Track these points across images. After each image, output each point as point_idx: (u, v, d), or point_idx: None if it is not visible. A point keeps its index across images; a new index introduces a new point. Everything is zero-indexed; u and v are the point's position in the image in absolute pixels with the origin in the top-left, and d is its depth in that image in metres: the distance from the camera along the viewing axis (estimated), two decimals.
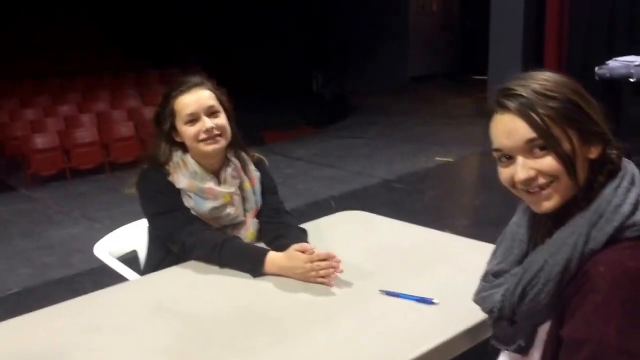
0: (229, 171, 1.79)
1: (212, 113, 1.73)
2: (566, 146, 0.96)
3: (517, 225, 1.11)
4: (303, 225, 1.85)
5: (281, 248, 1.64)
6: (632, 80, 5.04)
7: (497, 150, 1.03)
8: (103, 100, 8.25)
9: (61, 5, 11.62)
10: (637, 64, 5.08)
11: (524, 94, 0.98)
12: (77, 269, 3.71)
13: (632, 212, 0.94)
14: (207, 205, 1.73)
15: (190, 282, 1.61)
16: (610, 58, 5.45)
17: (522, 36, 7.95)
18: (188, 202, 1.73)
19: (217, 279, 1.61)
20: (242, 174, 1.82)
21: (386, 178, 5.63)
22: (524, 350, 1.07)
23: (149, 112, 7.87)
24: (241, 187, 1.80)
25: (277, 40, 11.51)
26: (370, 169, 6.05)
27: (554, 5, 7.75)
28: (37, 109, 7.77)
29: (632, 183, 0.97)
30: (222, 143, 1.74)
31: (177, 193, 1.74)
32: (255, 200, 1.82)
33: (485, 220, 4.43)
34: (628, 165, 1.01)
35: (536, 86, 0.99)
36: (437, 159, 6.34)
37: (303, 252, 1.57)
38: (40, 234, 4.54)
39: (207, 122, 1.71)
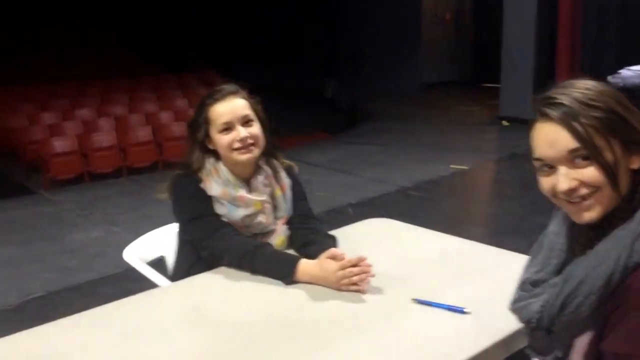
0: (260, 179, 1.81)
1: (246, 122, 1.75)
2: (608, 156, 0.95)
3: (556, 234, 1.10)
4: (330, 233, 1.86)
5: (310, 255, 1.66)
6: None
7: (538, 159, 1.02)
8: (120, 104, 8.32)
9: (77, 10, 11.76)
10: None
11: (566, 103, 0.97)
12: (98, 274, 3.76)
13: None
14: (239, 213, 1.75)
15: (223, 288, 1.62)
16: (622, 67, 5.47)
17: (533, 45, 7.97)
18: (220, 209, 1.75)
19: (248, 285, 1.62)
20: (273, 181, 1.84)
21: (402, 185, 5.65)
22: None
23: (165, 117, 7.95)
24: (272, 195, 1.82)
25: (288, 46, 11.58)
26: (386, 175, 6.06)
27: (565, 14, 7.76)
28: (55, 113, 7.85)
29: None
30: (256, 152, 1.76)
31: (208, 199, 1.76)
32: (285, 207, 1.84)
33: (503, 229, 4.43)
34: None
35: (578, 95, 0.98)
36: (452, 166, 6.34)
37: (333, 258, 1.58)
38: (61, 237, 4.59)
39: (242, 131, 1.73)
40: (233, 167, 1.78)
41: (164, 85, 9.54)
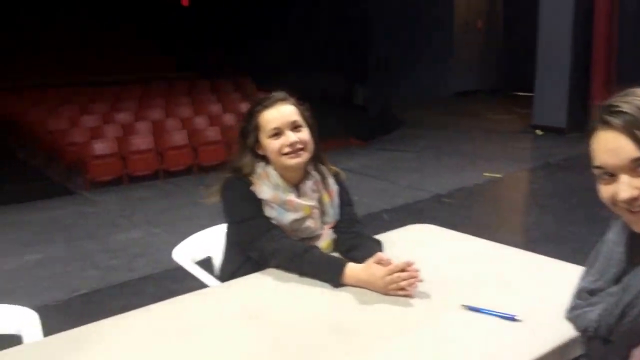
0: (309, 184, 1.85)
1: (295, 127, 1.79)
2: None
3: (614, 243, 1.09)
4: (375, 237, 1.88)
5: (356, 259, 1.68)
6: None
7: (599, 167, 1.01)
8: (157, 108, 8.50)
9: (115, 17, 12.07)
10: None
11: (629, 111, 0.96)
12: (139, 273, 3.85)
13: None
14: (288, 217, 1.79)
15: (272, 289, 1.65)
16: None
17: (569, 54, 7.87)
18: (270, 213, 1.79)
19: (297, 287, 1.64)
20: (321, 187, 1.87)
21: (436, 192, 5.64)
22: None
23: (200, 122, 8.09)
24: (320, 200, 1.85)
25: (319, 52, 11.66)
26: (419, 182, 6.06)
27: (602, 23, 7.65)
28: (96, 116, 8.06)
29: None
30: (305, 157, 1.80)
31: (258, 202, 1.79)
32: (333, 213, 1.87)
33: (537, 237, 4.39)
34: None
35: None
36: (485, 174, 6.30)
37: (379, 263, 1.60)
38: (103, 237, 4.71)
39: (291, 136, 1.77)
40: (282, 171, 1.82)
41: (199, 91, 9.71)
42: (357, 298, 1.56)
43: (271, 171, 1.82)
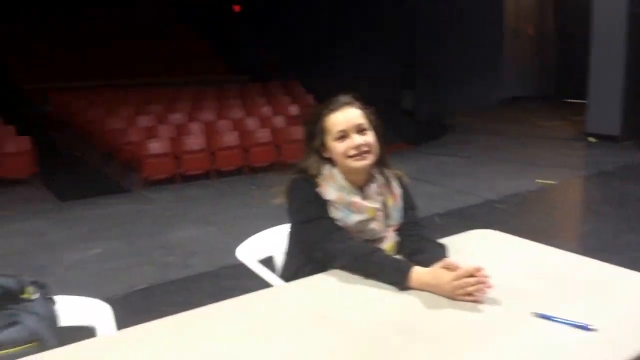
0: (374, 187, 1.86)
1: (360, 130, 1.82)
2: None
3: None
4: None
5: (422, 262, 1.67)
6: None
7: None
8: (210, 109, 8.68)
9: (168, 21, 12.39)
10: None
11: None
12: (195, 270, 3.93)
13: None
14: (354, 218, 1.81)
15: (337, 291, 1.65)
16: None
17: (624, 62, 7.67)
18: (335, 214, 1.81)
19: (362, 289, 1.64)
20: (386, 190, 1.89)
21: (488, 198, 5.55)
22: None
23: (251, 123, 8.22)
24: (384, 203, 1.87)
25: (367, 57, 11.67)
26: (470, 187, 5.99)
27: None
28: (150, 116, 8.30)
29: None
30: (370, 159, 1.82)
31: (324, 203, 1.81)
32: (396, 216, 1.88)
33: (593, 245, 4.27)
34: None
35: None
36: (537, 180, 6.17)
37: (447, 269, 1.59)
38: (159, 233, 4.83)
39: (356, 139, 1.80)
40: (347, 174, 1.84)
41: (250, 93, 9.87)
42: (423, 302, 1.55)
43: (337, 173, 1.84)
